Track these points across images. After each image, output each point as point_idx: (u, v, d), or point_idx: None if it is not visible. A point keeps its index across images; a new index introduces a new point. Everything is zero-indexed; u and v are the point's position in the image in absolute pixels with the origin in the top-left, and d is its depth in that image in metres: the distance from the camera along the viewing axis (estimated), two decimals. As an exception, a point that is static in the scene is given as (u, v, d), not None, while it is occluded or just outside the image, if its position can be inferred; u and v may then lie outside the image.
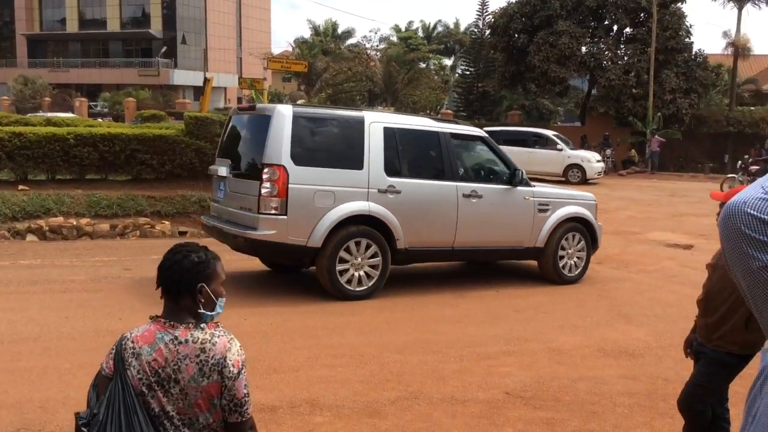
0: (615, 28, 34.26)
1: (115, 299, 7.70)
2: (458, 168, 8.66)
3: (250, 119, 8.53)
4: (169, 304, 2.41)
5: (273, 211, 7.54)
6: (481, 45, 40.04)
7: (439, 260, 9.32)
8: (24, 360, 5.76)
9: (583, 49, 32.88)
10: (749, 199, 1.16)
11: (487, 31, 38.65)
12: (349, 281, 7.96)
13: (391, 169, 8.09)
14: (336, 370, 5.80)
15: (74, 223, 11.45)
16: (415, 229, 8.19)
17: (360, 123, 8.05)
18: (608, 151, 30.04)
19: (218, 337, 2.37)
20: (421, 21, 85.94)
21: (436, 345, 6.53)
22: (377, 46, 60.14)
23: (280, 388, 5.28)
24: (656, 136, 30.34)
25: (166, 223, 12.08)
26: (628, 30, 33.90)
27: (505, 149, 10.13)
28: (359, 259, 7.96)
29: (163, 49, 59.66)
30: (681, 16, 32.51)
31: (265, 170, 7.54)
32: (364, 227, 7.93)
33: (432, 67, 59.19)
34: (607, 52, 32.93)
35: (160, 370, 2.32)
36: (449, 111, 40.66)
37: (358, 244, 7.92)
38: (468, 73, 42.18)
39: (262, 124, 7.87)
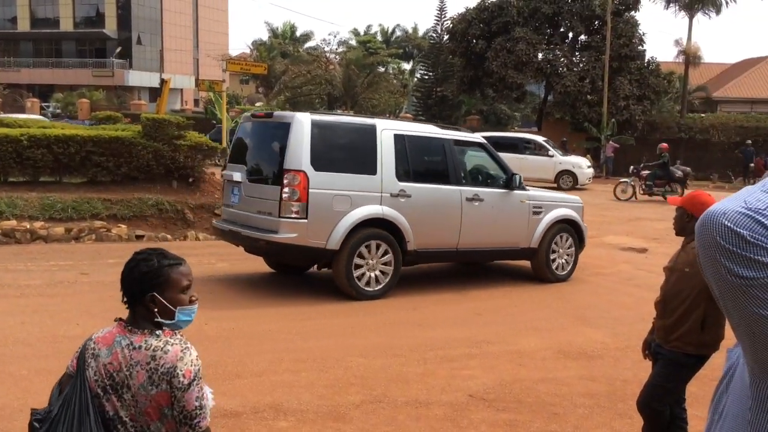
0: (570, 35, 34.86)
1: (72, 304, 7.55)
2: (461, 173, 9.05)
3: (265, 126, 8.77)
4: (132, 309, 2.38)
5: (294, 215, 7.84)
6: (440, 50, 40.30)
7: (444, 261, 9.76)
8: (-22, 367, 5.62)
9: (540, 55, 33.38)
10: (728, 211, 1.20)
11: (446, 37, 38.90)
12: (363, 282, 8.26)
13: (401, 174, 8.43)
14: (299, 374, 5.78)
15: (28, 226, 11.17)
16: (423, 232, 8.53)
17: (372, 130, 8.38)
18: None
19: (171, 345, 2.29)
20: (380, 25, 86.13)
21: (400, 348, 6.56)
22: (336, 49, 60.07)
23: (243, 394, 5.25)
24: (611, 142, 30.92)
25: (123, 226, 11.87)
26: (583, 37, 34.53)
27: None
28: (373, 261, 8.28)
29: (118, 50, 58.62)
30: (634, 25, 33.24)
31: (286, 175, 7.83)
32: (378, 230, 8.26)
33: (391, 71, 59.41)
34: (562, 59, 33.48)
35: (114, 374, 2.28)
36: (409, 115, 40.86)
37: (372, 246, 8.23)
38: (427, 77, 42.40)
39: (280, 131, 8.14)
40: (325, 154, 8.02)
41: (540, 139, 26.73)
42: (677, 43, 36.36)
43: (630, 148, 31.43)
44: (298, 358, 6.16)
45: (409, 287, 9.22)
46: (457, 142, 9.11)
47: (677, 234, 4.30)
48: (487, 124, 38.20)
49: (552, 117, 35.05)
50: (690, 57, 35.50)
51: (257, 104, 41.15)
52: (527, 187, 9.73)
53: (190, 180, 13.57)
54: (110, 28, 60.96)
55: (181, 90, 62.69)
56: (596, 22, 33.36)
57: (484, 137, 10.81)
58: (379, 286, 8.35)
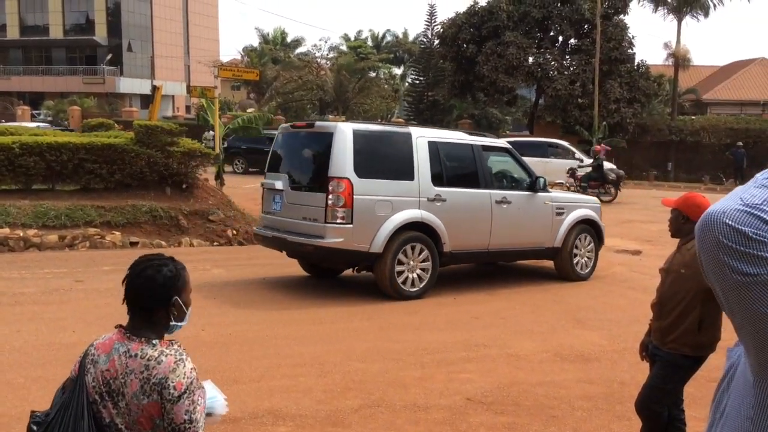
0: (560, 39, 35.01)
1: (67, 312, 7.52)
2: (490, 177, 9.44)
3: (306, 135, 9.17)
4: (135, 316, 2.36)
5: (340, 221, 8.19)
6: (431, 54, 40.38)
7: (476, 261, 10.17)
8: (-25, 376, 5.59)
9: (530, 59, 33.51)
10: (728, 209, 1.21)
11: (436, 41, 38.99)
12: (404, 282, 8.59)
13: (436, 180, 8.80)
14: (298, 379, 5.78)
15: (21, 234, 11.13)
16: (457, 234, 8.90)
17: (408, 137, 8.75)
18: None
19: (166, 356, 2.27)
20: (371, 30, 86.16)
21: (397, 353, 6.56)
22: (327, 55, 60.11)
23: (241, 399, 5.23)
24: (602, 145, 31.07)
25: (117, 233, 11.83)
26: (573, 41, 34.69)
27: None
28: (413, 262, 8.64)
29: (108, 57, 58.44)
30: (624, 28, 33.42)
31: (331, 183, 8.17)
32: (417, 233, 8.63)
33: (382, 76, 59.48)
34: (553, 63, 33.63)
35: (111, 381, 2.27)
36: (401, 119, 40.91)
37: (412, 248, 8.61)
38: (418, 82, 42.48)
39: (322, 140, 8.53)
40: (367, 161, 8.37)
41: (565, 142, 26.46)
42: (666, 46, 36.65)
43: (621, 151, 31.58)
44: (296, 363, 6.16)
45: (404, 291, 9.23)
46: (485, 148, 9.51)
47: (673, 236, 4.32)
48: (479, 128, 38.29)
49: (543, 120, 35.16)
50: (679, 60, 35.74)
51: (249, 110, 41.09)
52: (549, 190, 10.15)
53: (184, 186, 13.55)
54: (100, 35, 60.80)
55: (173, 96, 62.56)
56: (586, 26, 33.52)
57: (509, 141, 11.14)
58: (419, 287, 8.71)
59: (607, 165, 25.57)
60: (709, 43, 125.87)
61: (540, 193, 9.73)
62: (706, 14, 35.70)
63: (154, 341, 2.31)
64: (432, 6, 41.67)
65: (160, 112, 31.66)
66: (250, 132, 18.64)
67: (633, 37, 33.71)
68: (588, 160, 25.16)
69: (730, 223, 1.17)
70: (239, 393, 5.33)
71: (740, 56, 71.76)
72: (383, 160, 8.60)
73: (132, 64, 60.28)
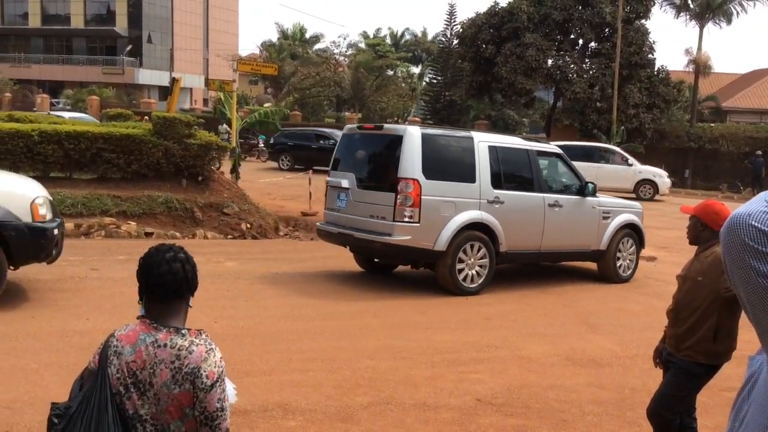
0: (580, 42, 34.87)
1: (82, 299, 7.58)
2: (543, 180, 9.83)
3: (374, 137, 9.61)
4: (156, 306, 2.36)
5: (408, 220, 8.57)
6: (449, 54, 40.33)
7: (527, 261, 10.51)
8: (-11, 360, 5.64)
9: (549, 61, 33.38)
10: (753, 211, 1.20)
11: (455, 41, 38.94)
12: (464, 279, 8.94)
13: (495, 182, 9.17)
14: (308, 374, 5.79)
15: (37, 221, 11.19)
16: (512, 234, 9.27)
17: (470, 141, 9.15)
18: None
19: (197, 345, 2.29)
20: (389, 28, 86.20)
21: (408, 351, 6.56)
22: (345, 52, 60.14)
23: (252, 392, 5.25)
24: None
25: (132, 223, 11.90)
26: (593, 44, 34.54)
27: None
28: (471, 260, 8.99)
29: (128, 48, 58.80)
30: (645, 33, 33.22)
31: (401, 183, 8.55)
32: (476, 233, 8.98)
33: (400, 75, 59.45)
34: (572, 66, 33.48)
35: (137, 372, 2.27)
36: (417, 119, 40.87)
37: (471, 247, 8.94)
38: (435, 81, 42.44)
39: (392, 142, 8.94)
40: (433, 163, 8.74)
41: (617, 148, 26.17)
42: (687, 52, 36.33)
43: (639, 156, 31.41)
44: (307, 358, 6.17)
45: (417, 290, 9.23)
46: (539, 153, 9.93)
47: (691, 243, 4.29)
48: (495, 130, 38.23)
49: (561, 123, 35.02)
50: (700, 66, 35.45)
51: (266, 105, 41.19)
52: (597, 195, 10.52)
53: (200, 179, 13.60)
54: (121, 26, 61.18)
55: (191, 89, 62.86)
56: (606, 30, 33.35)
57: (560, 146, 11.68)
58: (476, 284, 9.05)
59: (655, 170, 25.32)
60: (731, 50, 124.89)
61: (588, 198, 10.09)
62: (729, 21, 35.42)
63: (183, 331, 2.33)
64: (452, 6, 41.56)
65: (178, 105, 31.80)
66: (267, 126, 18.67)
67: (654, 42, 33.58)
68: (642, 166, 24.91)
69: (756, 225, 1.16)
70: (250, 386, 5.35)
71: (762, 65, 71.04)
72: (448, 162, 8.98)
73: (151, 56, 60.62)
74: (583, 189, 10.04)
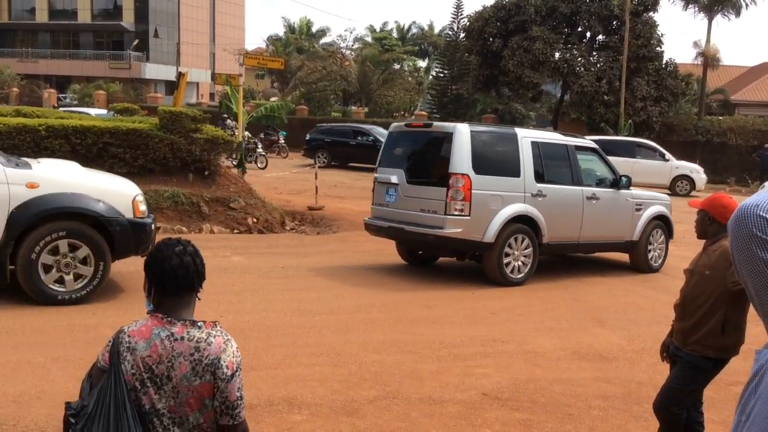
0: (588, 35, 34.68)
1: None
2: (581, 174, 10.16)
3: (423, 134, 10.01)
4: (167, 300, 2.37)
5: (459, 213, 8.92)
6: (456, 48, 40.21)
7: (566, 252, 10.95)
8: (-4, 354, 5.66)
9: (557, 54, 33.19)
10: (762, 202, 1.19)
11: (462, 34, 38.81)
12: (510, 270, 9.33)
13: (538, 177, 9.54)
14: (314, 368, 5.79)
15: (44, 216, 11.22)
16: (554, 226, 9.65)
17: (514, 137, 9.54)
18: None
19: (214, 336, 2.33)
20: (396, 22, 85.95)
21: (413, 345, 6.55)
22: (352, 45, 60.08)
23: (257, 386, 5.25)
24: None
25: (139, 218, 11.90)
26: (600, 37, 34.34)
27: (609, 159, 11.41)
28: (517, 252, 9.37)
29: (135, 42, 58.88)
30: (653, 25, 33.01)
31: (452, 178, 8.91)
32: (521, 225, 9.36)
33: (406, 69, 59.29)
34: (580, 59, 33.30)
35: (154, 367, 2.29)
36: (423, 112, 40.79)
37: (515, 239, 9.31)
38: (442, 75, 42.32)
39: (441, 139, 9.35)
40: (481, 159, 9.10)
41: (653, 142, 25.86)
42: (696, 44, 36.15)
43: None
44: (313, 353, 6.17)
45: (423, 285, 9.23)
46: (577, 147, 10.30)
47: (699, 237, 4.26)
48: (502, 123, 38.12)
49: (568, 117, 34.88)
50: (708, 59, 35.25)
51: (272, 99, 41.24)
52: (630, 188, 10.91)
53: (206, 173, 13.60)
54: (127, 20, 61.27)
55: (197, 84, 62.92)
56: (614, 23, 33.16)
57: (595, 140, 12.02)
58: (522, 274, 9.44)
59: (692, 165, 25.06)
60: (740, 43, 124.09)
61: (623, 190, 10.47)
62: (738, 14, 35.18)
63: (199, 323, 2.35)
64: (459, -1, 41.30)
65: (184, 99, 31.83)
66: (274, 120, 18.66)
67: (662, 35, 33.32)
68: (678, 161, 24.60)
69: (765, 215, 1.15)
70: (256, 380, 5.35)
71: (771, 57, 70.56)
72: (494, 158, 9.36)
73: (158, 51, 60.69)
74: (617, 182, 10.45)
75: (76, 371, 5.14)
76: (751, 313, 2.78)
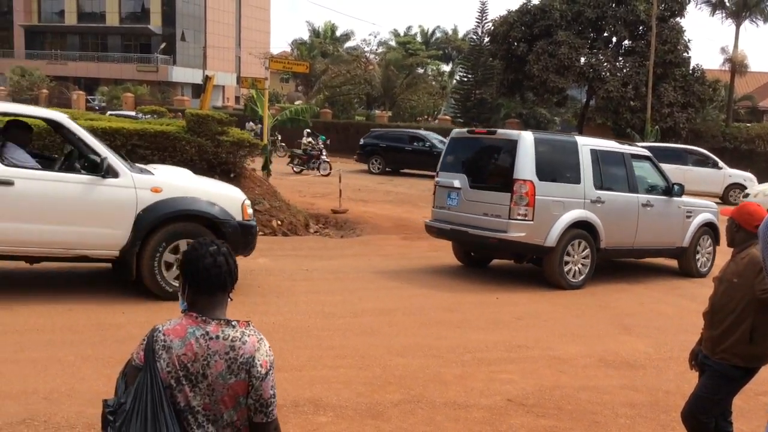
0: (614, 40, 34.45)
1: (117, 293, 7.69)
2: (636, 181, 10.43)
3: (487, 141, 10.32)
4: (201, 299, 2.41)
5: (523, 218, 9.20)
6: (480, 52, 40.13)
7: (622, 257, 11.14)
8: (28, 351, 5.76)
9: (582, 59, 33.02)
10: None
11: (486, 39, 38.73)
12: (570, 274, 9.59)
13: (597, 183, 9.81)
14: (338, 371, 5.82)
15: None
16: (611, 232, 9.91)
17: (575, 145, 9.84)
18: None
19: (248, 336, 2.38)
20: (420, 26, 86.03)
21: (438, 349, 6.55)
22: (376, 50, 60.20)
23: (283, 387, 5.26)
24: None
25: (166, 219, 12.01)
26: (627, 42, 34.09)
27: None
28: (576, 257, 9.63)
29: (162, 46, 59.52)
30: (679, 31, 32.70)
31: (517, 184, 9.21)
32: (581, 231, 9.63)
33: (430, 73, 59.32)
34: (605, 64, 33.08)
35: (189, 365, 2.33)
36: (447, 117, 40.74)
37: (575, 244, 9.57)
38: (466, 79, 42.26)
39: (505, 145, 9.68)
40: (544, 166, 9.38)
41: (705, 150, 25.48)
42: (723, 50, 35.71)
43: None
44: (337, 355, 6.20)
45: (447, 289, 9.22)
46: (632, 155, 10.60)
47: (728, 245, 4.25)
48: (526, 128, 37.95)
49: (593, 122, 34.63)
50: (736, 65, 34.83)
51: (297, 102, 41.42)
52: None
53: (232, 175, 13.69)
54: (155, 23, 61.97)
55: (223, 87, 63.42)
56: (641, 28, 32.90)
57: (647, 148, 12.40)
58: (581, 278, 9.70)
59: (745, 174, 24.64)
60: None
61: (675, 198, 10.74)
62: (766, 19, 34.73)
63: (233, 323, 2.40)
64: (483, 3, 41.10)
65: (210, 102, 32.11)
66: (298, 123, 18.77)
67: (689, 41, 33.00)
68: (731, 170, 24.21)
69: None
70: (281, 381, 5.35)
71: (800, 63, 69.55)
72: (556, 165, 9.66)
73: (185, 54, 61.29)
74: (670, 189, 10.71)
75: (105, 369, 5.22)
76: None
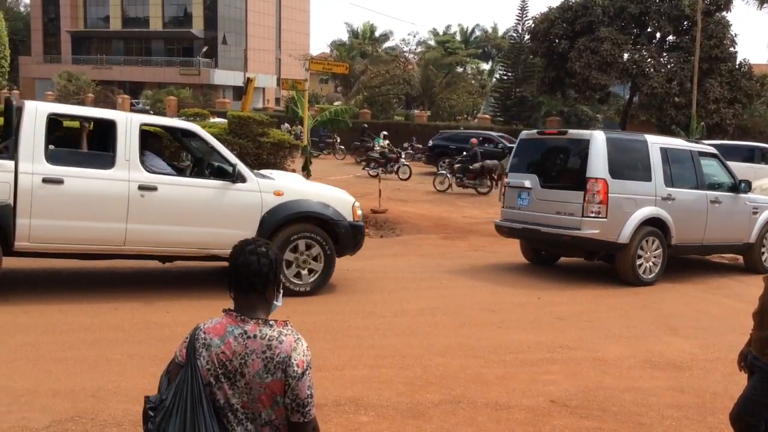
0: (658, 35, 33.81)
1: (161, 292, 7.83)
2: (704, 179, 10.56)
3: (558, 141, 10.65)
4: (241, 298, 2.44)
5: (596, 215, 9.38)
6: (520, 50, 39.78)
7: (691, 253, 11.28)
8: (76, 349, 5.90)
9: (625, 56, 32.45)
10: None
11: (527, 36, 38.36)
12: (642, 271, 9.72)
13: (667, 181, 9.95)
14: (379, 370, 5.82)
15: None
16: (681, 228, 10.05)
17: (645, 144, 9.99)
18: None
19: (285, 335, 2.39)
20: (459, 25, 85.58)
21: (479, 350, 6.51)
22: (415, 49, 60.16)
23: (324, 386, 5.31)
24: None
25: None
26: (671, 38, 33.44)
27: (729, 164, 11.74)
28: (648, 253, 9.77)
29: (204, 49, 60.37)
30: (726, 25, 31.93)
31: (590, 182, 9.41)
32: (652, 227, 9.76)
33: (469, 72, 59.06)
34: (649, 60, 32.47)
35: (227, 363, 2.35)
36: (487, 116, 40.49)
37: (648, 241, 9.70)
38: (506, 77, 41.94)
39: (576, 145, 9.94)
40: (616, 164, 9.55)
41: None
42: (772, 44, 34.75)
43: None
44: (378, 355, 6.20)
45: (487, 289, 9.17)
46: (700, 153, 10.73)
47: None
48: (567, 126, 37.53)
49: (637, 119, 34.04)
50: (785, 59, 33.85)
51: (336, 103, 41.63)
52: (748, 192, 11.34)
53: (272, 176, 13.84)
54: (197, 27, 62.89)
55: (263, 89, 64.05)
56: (685, 23, 32.22)
57: (716, 146, 12.50)
58: (653, 274, 9.84)
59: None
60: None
61: (741, 195, 10.87)
62: (817, 11, 33.73)
63: (270, 322, 2.41)
64: (524, 1, 40.79)
65: (251, 104, 32.44)
66: (338, 124, 18.87)
67: (735, 35, 32.18)
68: None
69: None
70: (323, 380, 5.41)
71: None
72: (627, 163, 9.78)
73: (226, 57, 62.07)
74: (737, 186, 10.83)
75: (150, 367, 5.31)
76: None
